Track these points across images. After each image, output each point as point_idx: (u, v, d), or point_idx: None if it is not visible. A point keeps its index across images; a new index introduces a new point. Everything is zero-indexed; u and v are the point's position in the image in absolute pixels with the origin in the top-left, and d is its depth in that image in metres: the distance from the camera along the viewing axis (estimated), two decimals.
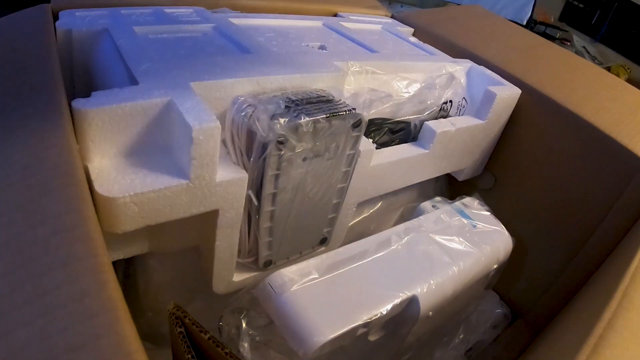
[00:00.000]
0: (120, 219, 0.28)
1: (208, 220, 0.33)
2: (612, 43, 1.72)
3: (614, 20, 1.72)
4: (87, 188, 0.23)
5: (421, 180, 0.49)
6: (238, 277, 0.38)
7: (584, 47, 1.68)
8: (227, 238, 0.34)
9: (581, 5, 1.80)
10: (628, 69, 1.65)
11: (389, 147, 0.44)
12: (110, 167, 0.29)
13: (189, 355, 0.25)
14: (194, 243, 0.38)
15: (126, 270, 0.42)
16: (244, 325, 0.33)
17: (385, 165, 0.42)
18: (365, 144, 0.38)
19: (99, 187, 0.27)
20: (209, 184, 0.30)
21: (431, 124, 0.45)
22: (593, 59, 1.64)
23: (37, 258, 0.19)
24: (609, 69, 1.54)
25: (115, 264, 0.41)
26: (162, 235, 0.35)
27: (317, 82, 0.37)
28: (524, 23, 1.54)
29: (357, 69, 0.42)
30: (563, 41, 1.67)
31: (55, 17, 0.40)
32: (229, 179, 0.31)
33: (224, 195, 0.31)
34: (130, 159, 0.30)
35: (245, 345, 0.32)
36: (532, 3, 1.55)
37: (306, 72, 0.37)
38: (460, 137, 0.48)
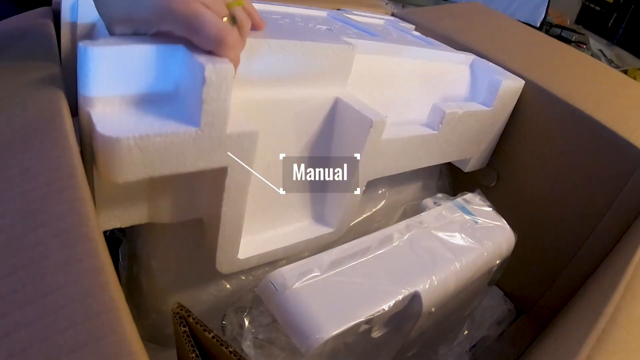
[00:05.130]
0: (121, 165, 0.26)
1: (214, 184, 0.32)
2: (629, 46, 1.69)
3: (630, 23, 1.69)
4: (88, 189, 0.23)
5: (429, 164, 0.49)
6: (243, 254, 0.37)
7: (600, 50, 1.65)
8: (234, 204, 0.32)
9: (597, 8, 1.77)
10: None
11: (400, 124, 0.44)
12: (114, 112, 0.27)
13: (193, 354, 0.26)
14: (197, 214, 0.36)
15: (130, 272, 0.42)
16: (247, 323, 0.33)
17: (395, 141, 0.41)
18: (377, 115, 0.37)
19: (101, 128, 0.25)
20: (219, 135, 0.28)
21: (440, 104, 0.45)
22: (609, 62, 1.61)
23: (38, 259, 0.19)
24: (625, 72, 1.50)
25: (117, 266, 0.42)
26: (164, 201, 0.33)
27: (327, 52, 0.36)
28: (538, 25, 1.52)
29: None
30: (579, 44, 1.64)
31: (57, 19, 0.40)
32: (239, 131, 0.29)
33: (234, 150, 0.30)
34: (137, 106, 0.28)
35: (249, 343, 0.33)
36: (546, 4, 1.53)
37: (317, 41, 0.35)
38: (467, 122, 0.48)
